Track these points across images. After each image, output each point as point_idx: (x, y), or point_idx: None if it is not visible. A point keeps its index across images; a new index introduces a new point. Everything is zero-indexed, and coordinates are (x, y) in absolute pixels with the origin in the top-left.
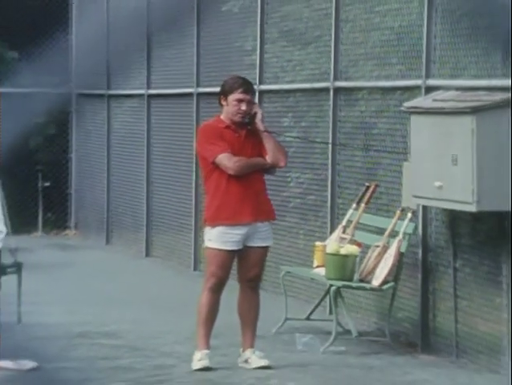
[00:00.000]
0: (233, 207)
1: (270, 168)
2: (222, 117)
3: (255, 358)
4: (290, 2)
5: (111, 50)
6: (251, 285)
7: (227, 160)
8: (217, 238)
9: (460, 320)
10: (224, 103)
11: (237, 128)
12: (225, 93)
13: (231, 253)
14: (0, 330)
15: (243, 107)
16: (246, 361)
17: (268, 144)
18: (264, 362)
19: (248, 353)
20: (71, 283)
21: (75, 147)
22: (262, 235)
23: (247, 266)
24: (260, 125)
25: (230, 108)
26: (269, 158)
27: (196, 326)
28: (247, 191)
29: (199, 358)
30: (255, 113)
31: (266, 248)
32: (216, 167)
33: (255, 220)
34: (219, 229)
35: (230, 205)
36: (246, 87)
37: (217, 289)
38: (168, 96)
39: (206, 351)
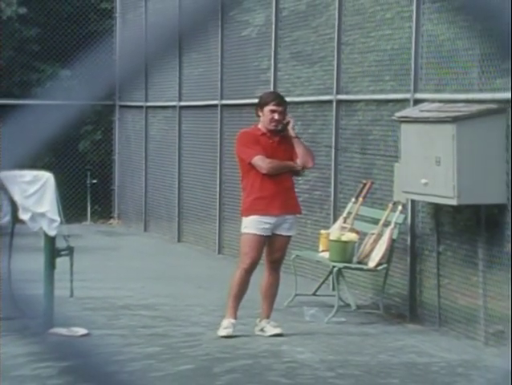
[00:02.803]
0: (266, 201)
1: (299, 170)
2: (259, 126)
3: (270, 327)
4: (300, 29)
5: (148, 68)
6: (274, 266)
7: (261, 161)
8: (252, 225)
9: (442, 295)
10: (260, 113)
11: (272, 135)
12: (261, 105)
13: (262, 239)
14: (55, 303)
15: (276, 116)
16: (262, 329)
17: (298, 149)
18: (277, 331)
19: (264, 322)
20: (115, 263)
21: (118, 150)
22: (288, 226)
23: (272, 250)
24: (292, 132)
25: (266, 118)
26: (299, 160)
27: (226, 297)
28: (278, 188)
29: (225, 326)
30: (288, 122)
31: (289, 237)
32: (252, 167)
33: (283, 213)
34: (253, 218)
35: (263, 199)
36: (279, 100)
37: (249, 269)
38: (196, 107)
39: (233, 321)
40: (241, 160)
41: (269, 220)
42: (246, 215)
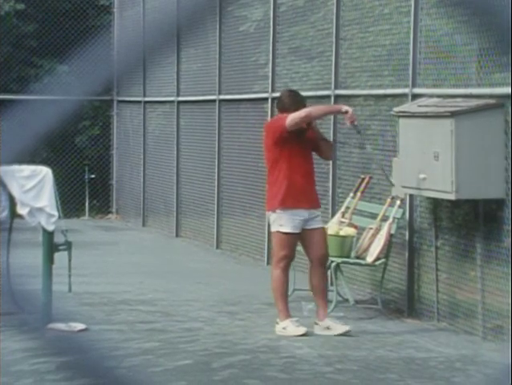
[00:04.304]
0: (297, 194)
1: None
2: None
3: (335, 325)
4: (298, 24)
5: (146, 62)
6: (322, 262)
7: (297, 113)
8: (287, 223)
9: (440, 290)
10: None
11: (298, 129)
12: (282, 111)
13: (296, 236)
14: (53, 298)
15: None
16: (328, 328)
17: (321, 142)
18: (345, 328)
19: (328, 321)
20: (114, 258)
21: (116, 145)
22: (318, 218)
23: (316, 246)
24: (316, 130)
25: None
26: (323, 153)
27: (274, 301)
28: (306, 182)
29: (296, 326)
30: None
31: (323, 228)
32: (278, 160)
33: (311, 207)
34: (288, 213)
35: (295, 193)
36: (299, 105)
37: (288, 267)
38: (194, 102)
39: (293, 319)
40: (270, 147)
41: (301, 214)
42: (282, 208)
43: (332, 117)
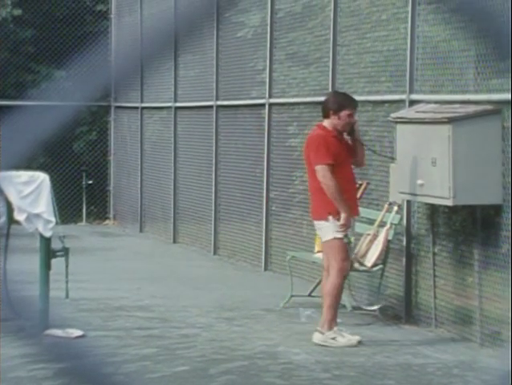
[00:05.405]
0: (348, 202)
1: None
2: (327, 126)
3: (346, 334)
4: (295, 30)
5: (144, 68)
6: None
7: (326, 172)
8: (340, 230)
9: (438, 296)
10: (333, 116)
11: (340, 136)
12: (336, 109)
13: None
14: (51, 304)
15: (353, 120)
16: (334, 339)
17: (358, 149)
18: (357, 338)
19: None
20: (111, 264)
21: (114, 151)
22: (352, 227)
23: None
24: (357, 133)
25: (342, 122)
26: (358, 160)
27: (328, 307)
28: (352, 190)
29: (349, 333)
30: (354, 122)
31: None
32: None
33: (356, 214)
34: (338, 222)
35: (346, 201)
36: (355, 103)
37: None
38: (192, 108)
39: (337, 329)
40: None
41: (351, 222)
42: (336, 218)
43: None
